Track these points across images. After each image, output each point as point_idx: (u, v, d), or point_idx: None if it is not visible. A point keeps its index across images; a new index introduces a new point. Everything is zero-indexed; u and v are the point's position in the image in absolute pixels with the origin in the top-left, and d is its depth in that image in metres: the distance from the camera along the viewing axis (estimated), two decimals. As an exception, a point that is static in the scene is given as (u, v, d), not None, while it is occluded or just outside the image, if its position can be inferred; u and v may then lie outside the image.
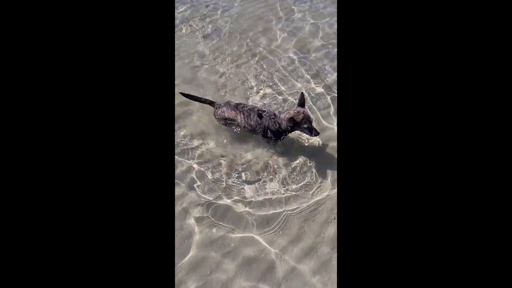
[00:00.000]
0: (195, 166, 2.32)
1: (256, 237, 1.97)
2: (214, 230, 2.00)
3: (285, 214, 2.07)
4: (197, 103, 2.59)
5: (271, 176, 2.27)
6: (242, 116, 2.32)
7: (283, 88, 2.88)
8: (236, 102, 2.41)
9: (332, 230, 1.97)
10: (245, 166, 2.32)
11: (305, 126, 2.14)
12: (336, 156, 2.36)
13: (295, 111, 2.17)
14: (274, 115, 2.26)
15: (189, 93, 2.51)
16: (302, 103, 2.21)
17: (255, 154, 2.39)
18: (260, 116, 2.28)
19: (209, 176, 2.27)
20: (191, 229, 2.00)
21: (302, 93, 2.23)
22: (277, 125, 2.24)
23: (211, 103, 2.46)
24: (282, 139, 2.36)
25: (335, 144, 2.42)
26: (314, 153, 2.40)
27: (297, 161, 2.34)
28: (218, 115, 2.41)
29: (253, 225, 2.02)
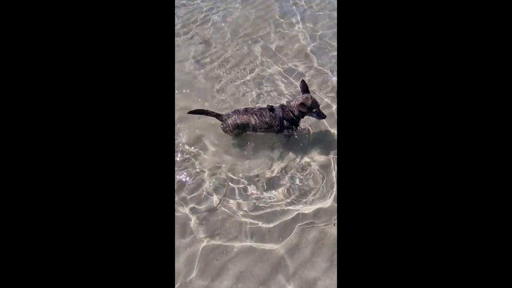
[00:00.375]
0: (194, 173, 2.28)
1: (256, 244, 1.95)
2: (216, 237, 2.02)
3: (285, 221, 2.06)
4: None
5: (270, 184, 2.23)
6: (255, 117, 2.26)
7: (285, 87, 2.88)
8: (244, 107, 2.35)
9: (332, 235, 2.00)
10: (244, 173, 2.28)
11: (314, 110, 2.21)
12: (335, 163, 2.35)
13: (304, 97, 2.19)
14: (284, 105, 2.27)
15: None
16: (305, 89, 2.24)
17: (254, 161, 2.34)
18: (272, 109, 2.26)
19: (209, 183, 2.22)
20: (192, 236, 1.96)
21: (303, 80, 2.27)
22: (291, 113, 2.24)
23: (217, 115, 2.34)
24: (297, 128, 2.39)
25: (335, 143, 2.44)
26: (313, 157, 2.37)
27: (296, 168, 2.32)
28: (229, 125, 2.29)
29: (253, 232, 2.00)
